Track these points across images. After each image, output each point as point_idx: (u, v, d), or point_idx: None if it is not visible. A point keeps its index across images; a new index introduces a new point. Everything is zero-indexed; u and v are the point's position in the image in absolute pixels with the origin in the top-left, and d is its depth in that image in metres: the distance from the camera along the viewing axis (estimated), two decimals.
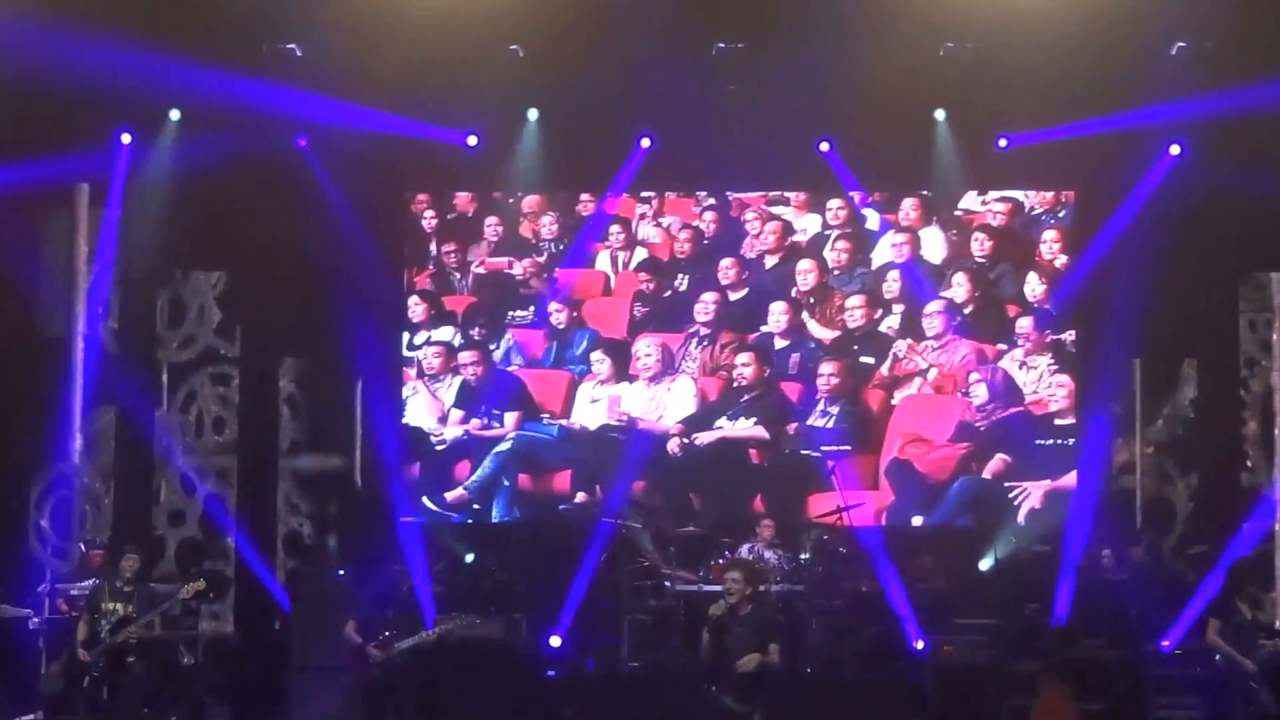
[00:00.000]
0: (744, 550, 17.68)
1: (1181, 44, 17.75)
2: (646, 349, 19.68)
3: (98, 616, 15.56)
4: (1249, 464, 19.30)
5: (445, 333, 19.85)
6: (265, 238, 18.86)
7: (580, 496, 19.54)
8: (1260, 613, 14.58)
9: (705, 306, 19.63)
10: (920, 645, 17.29)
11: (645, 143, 19.22)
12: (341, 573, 17.42)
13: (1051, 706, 16.20)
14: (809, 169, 19.36)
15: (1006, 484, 19.21)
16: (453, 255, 19.97)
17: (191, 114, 18.73)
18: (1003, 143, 18.99)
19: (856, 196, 19.59)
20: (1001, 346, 19.44)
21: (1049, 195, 19.58)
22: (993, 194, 19.60)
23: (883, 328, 19.56)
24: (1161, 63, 17.82)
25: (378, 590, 15.99)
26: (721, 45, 18.09)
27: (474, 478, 19.62)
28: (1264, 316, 19.46)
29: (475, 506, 19.59)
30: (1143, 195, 18.90)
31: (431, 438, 19.70)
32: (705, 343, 19.61)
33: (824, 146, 19.18)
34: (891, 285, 19.54)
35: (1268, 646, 14.47)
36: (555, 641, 17.57)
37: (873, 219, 19.68)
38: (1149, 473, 19.44)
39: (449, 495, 19.60)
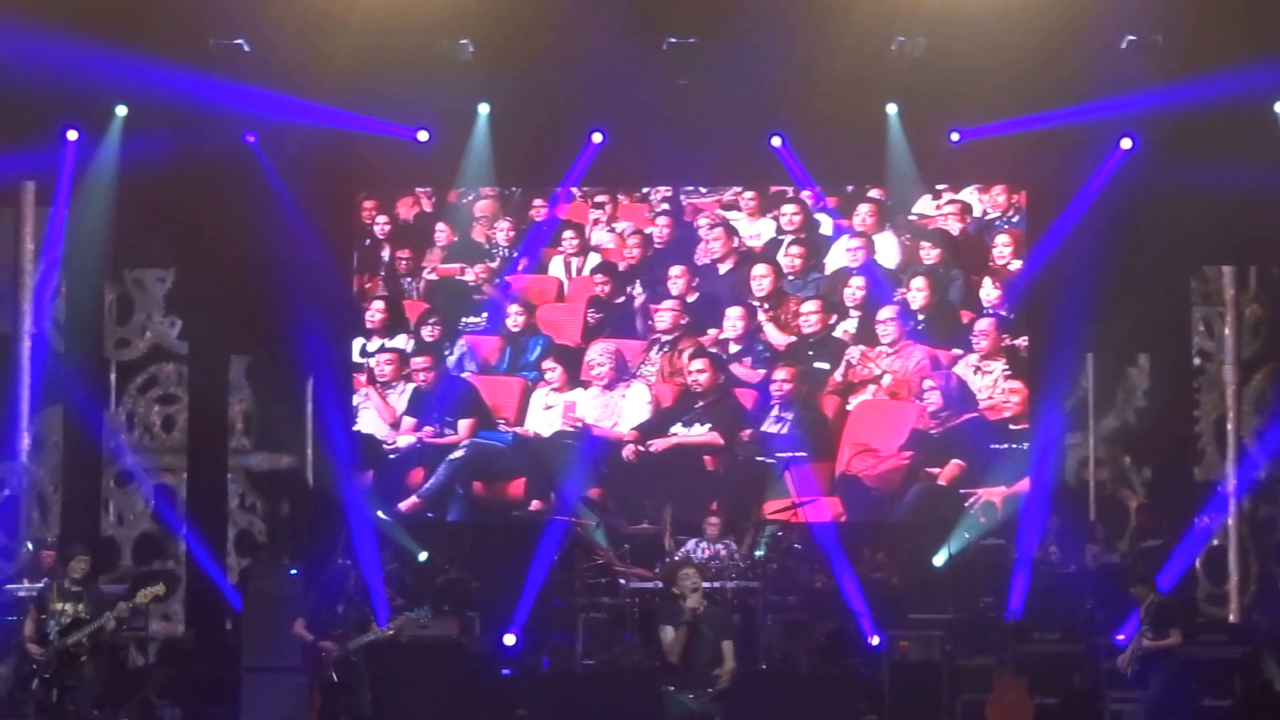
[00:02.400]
0: (690, 545, 17.59)
1: (1131, 37, 17.75)
2: (599, 356, 19.60)
3: (46, 617, 15.39)
4: (1202, 458, 19.37)
5: (399, 340, 19.73)
6: (214, 235, 18.77)
7: (534, 504, 19.46)
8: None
9: (664, 314, 19.56)
10: (875, 641, 17.27)
11: (597, 138, 19.14)
12: (294, 572, 17.30)
13: (1006, 701, 16.26)
14: (761, 164, 19.32)
15: (962, 490, 19.20)
16: (404, 262, 19.85)
17: (138, 110, 18.60)
18: (955, 137, 18.97)
19: (809, 195, 19.54)
20: (956, 352, 19.42)
21: (1002, 199, 19.54)
22: (946, 197, 19.57)
23: (837, 333, 19.51)
24: (1112, 56, 17.82)
25: (325, 586, 15.86)
26: (673, 40, 17.99)
27: (427, 485, 19.51)
28: (1216, 310, 19.53)
29: (429, 515, 19.49)
30: (1094, 190, 18.90)
31: (384, 445, 19.58)
32: (665, 349, 19.55)
33: (776, 141, 19.13)
34: (855, 292, 19.44)
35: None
36: (510, 639, 17.50)
37: (826, 224, 19.64)
38: (1102, 467, 19.48)
39: (402, 504, 19.49)
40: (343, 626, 15.51)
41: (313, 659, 15.49)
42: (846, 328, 19.47)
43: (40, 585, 16.47)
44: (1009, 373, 19.29)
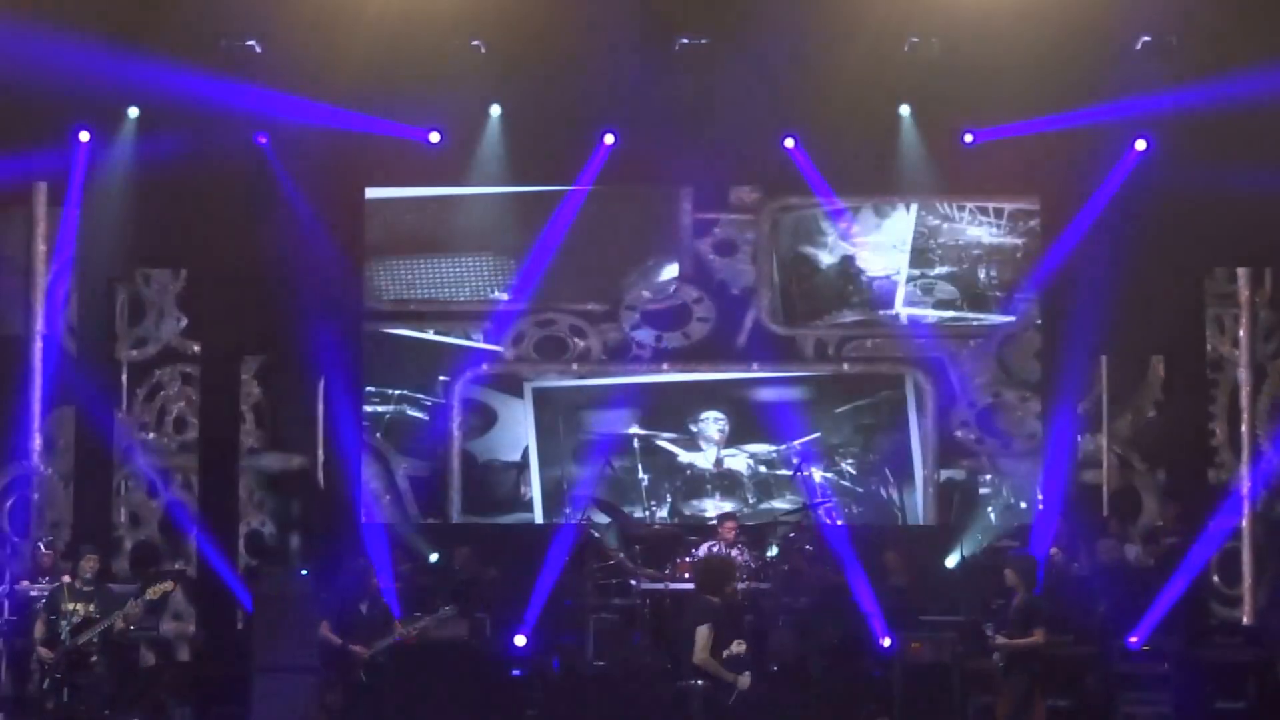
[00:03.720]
0: (704, 549, 17.54)
1: (1146, 38, 17.70)
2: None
3: (56, 617, 15.41)
4: (1217, 460, 19.29)
5: None
6: (225, 235, 18.76)
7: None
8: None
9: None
10: (887, 643, 17.22)
11: (609, 139, 19.11)
12: (304, 572, 17.28)
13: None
14: (774, 165, 19.29)
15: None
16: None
17: (150, 111, 18.64)
18: (969, 138, 18.93)
19: (821, 204, 19.57)
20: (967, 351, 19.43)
21: (1017, 201, 19.49)
22: (959, 201, 19.53)
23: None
24: (1126, 57, 17.78)
25: (346, 586, 15.85)
26: (684, 40, 17.98)
27: None
28: (1231, 312, 19.45)
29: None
30: (1109, 192, 18.86)
31: None
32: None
33: (789, 143, 19.09)
34: (860, 291, 19.47)
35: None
36: (520, 640, 17.48)
37: (823, 219, 19.63)
38: (1116, 470, 19.41)
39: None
40: (367, 626, 15.50)
41: (340, 662, 15.47)
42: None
43: (51, 586, 16.52)
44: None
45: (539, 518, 19.54)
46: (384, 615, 15.71)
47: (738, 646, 13.23)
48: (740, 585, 16.96)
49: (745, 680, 13.16)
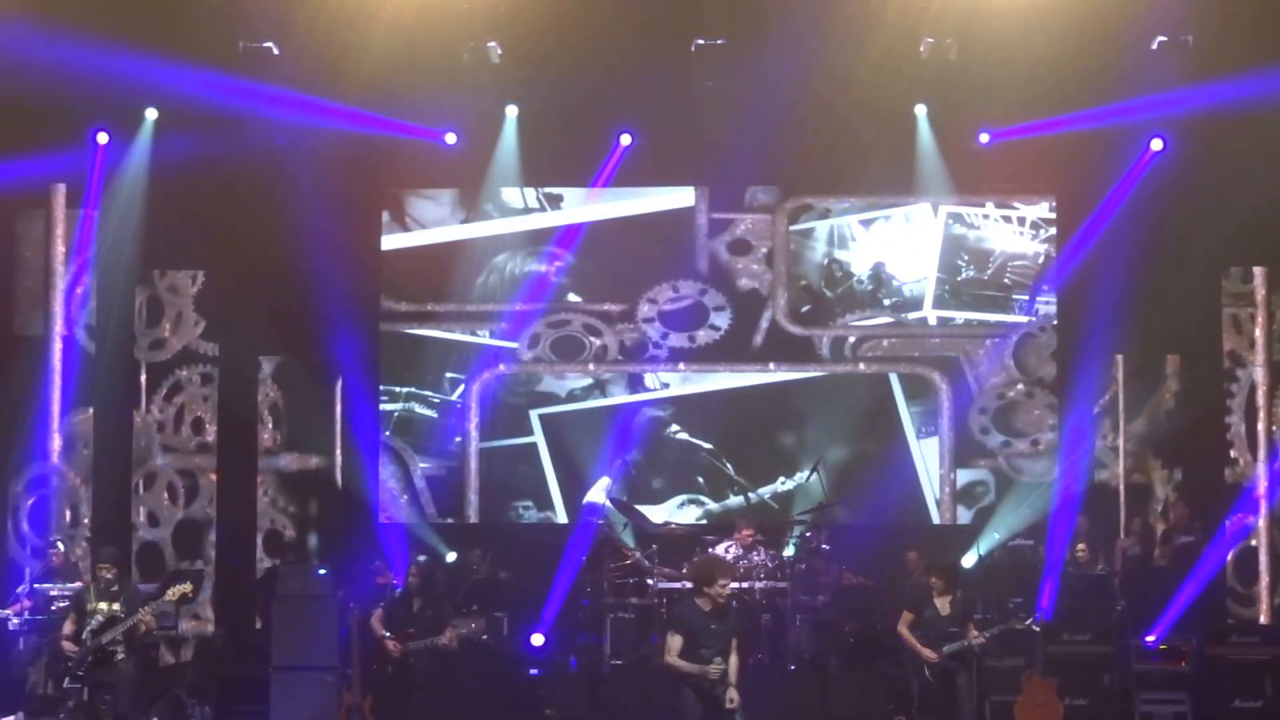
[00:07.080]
0: (720, 549, 17.53)
1: (1162, 38, 17.70)
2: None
3: (83, 615, 15.48)
4: (1233, 459, 19.29)
5: None
6: (243, 237, 18.86)
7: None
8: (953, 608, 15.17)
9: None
10: None
11: (625, 139, 19.14)
12: (323, 571, 17.33)
13: (1035, 702, 16.21)
14: (789, 165, 19.32)
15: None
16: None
17: (168, 113, 18.68)
18: (984, 138, 18.93)
19: (838, 205, 19.62)
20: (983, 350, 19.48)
21: (1033, 202, 19.53)
22: (975, 201, 19.57)
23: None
24: (1142, 57, 17.77)
25: (406, 582, 15.92)
26: (700, 41, 18.01)
27: None
28: (1247, 311, 19.46)
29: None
30: (1125, 191, 18.86)
31: None
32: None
33: (804, 143, 19.09)
34: (878, 292, 19.55)
35: (954, 642, 15.02)
36: (538, 639, 17.49)
37: (855, 226, 19.66)
38: (1133, 468, 19.42)
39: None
40: (416, 625, 15.53)
41: (374, 655, 15.51)
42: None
43: (67, 585, 16.60)
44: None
45: (534, 516, 19.56)
46: (436, 616, 15.73)
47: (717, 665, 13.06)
48: (759, 585, 17.09)
49: (714, 669, 13.03)
